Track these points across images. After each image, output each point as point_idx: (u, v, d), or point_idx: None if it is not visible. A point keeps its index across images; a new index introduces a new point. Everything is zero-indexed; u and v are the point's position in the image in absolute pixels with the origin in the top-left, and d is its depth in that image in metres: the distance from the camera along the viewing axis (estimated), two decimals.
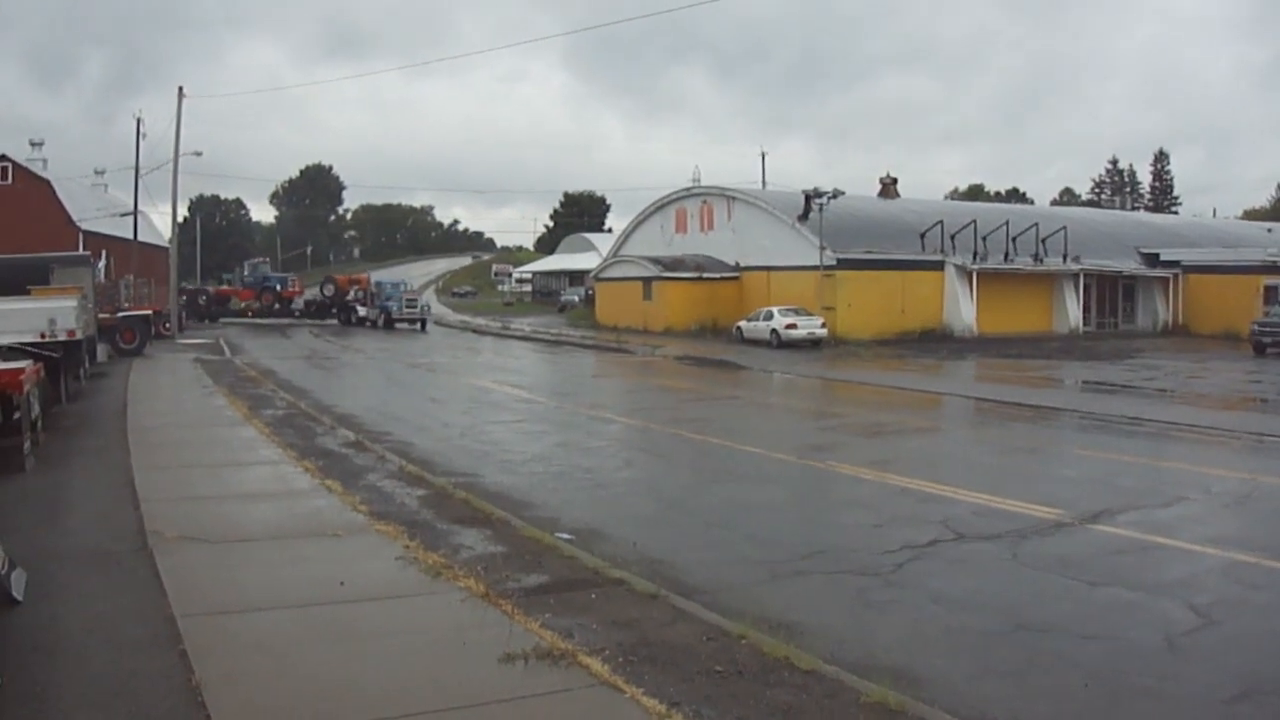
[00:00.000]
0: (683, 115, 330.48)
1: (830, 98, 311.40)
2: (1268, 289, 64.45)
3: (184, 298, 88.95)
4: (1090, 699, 9.31)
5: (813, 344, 55.99)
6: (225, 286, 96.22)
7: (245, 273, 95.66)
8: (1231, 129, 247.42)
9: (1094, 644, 10.63)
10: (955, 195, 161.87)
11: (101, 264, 53.16)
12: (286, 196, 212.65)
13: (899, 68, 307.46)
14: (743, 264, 69.23)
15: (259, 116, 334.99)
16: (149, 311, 54.91)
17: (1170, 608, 11.75)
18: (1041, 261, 67.45)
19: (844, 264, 60.43)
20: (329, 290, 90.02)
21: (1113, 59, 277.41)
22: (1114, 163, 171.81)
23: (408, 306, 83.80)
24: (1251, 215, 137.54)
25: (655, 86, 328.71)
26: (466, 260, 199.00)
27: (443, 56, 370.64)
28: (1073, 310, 68.35)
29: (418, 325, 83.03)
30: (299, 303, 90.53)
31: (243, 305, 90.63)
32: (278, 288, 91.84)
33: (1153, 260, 73.22)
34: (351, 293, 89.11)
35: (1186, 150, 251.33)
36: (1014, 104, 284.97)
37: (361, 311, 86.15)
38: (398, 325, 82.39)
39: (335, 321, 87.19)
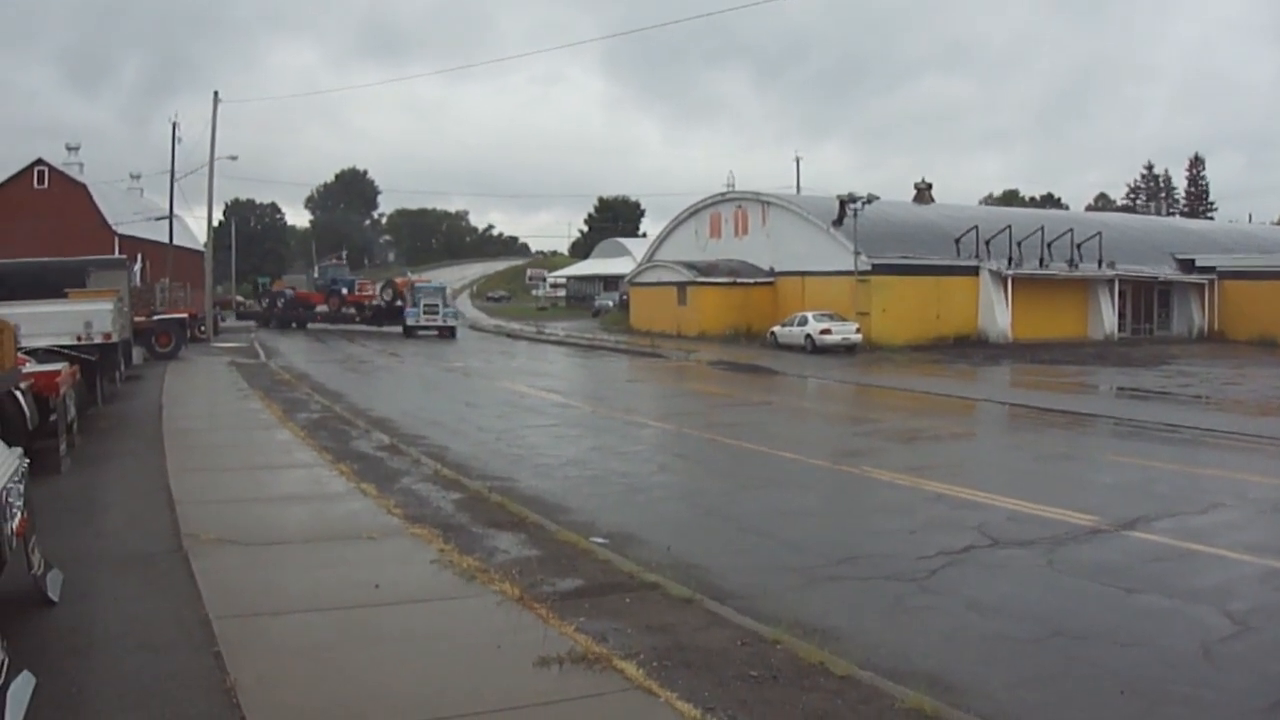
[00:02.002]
0: (720, 119, 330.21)
1: (868, 101, 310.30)
2: None
3: (265, 300, 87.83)
4: (1127, 706, 9.25)
5: (847, 349, 56.07)
6: (303, 289, 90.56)
7: (315, 274, 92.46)
8: (1272, 134, 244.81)
9: (1130, 651, 10.57)
10: (990, 200, 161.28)
11: (137, 267, 53.46)
12: (321, 201, 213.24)
13: (938, 70, 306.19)
14: (777, 269, 69.35)
15: (294, 120, 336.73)
16: (184, 315, 55.21)
17: (1206, 615, 11.66)
18: (1076, 267, 67.22)
19: (879, 269, 60.65)
20: (388, 294, 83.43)
21: (1154, 62, 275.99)
22: (1149, 168, 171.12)
23: (426, 314, 78.47)
24: None
25: (692, 90, 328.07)
26: (501, 265, 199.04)
27: (480, 61, 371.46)
28: (1108, 316, 68.06)
29: (445, 334, 78.00)
30: (369, 308, 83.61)
31: (316, 310, 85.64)
32: (344, 291, 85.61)
33: (1188, 266, 72.89)
34: None
35: (1226, 155, 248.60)
36: (1052, 108, 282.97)
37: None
38: (418, 334, 77.43)
39: (400, 328, 79.55)
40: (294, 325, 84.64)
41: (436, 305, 79.48)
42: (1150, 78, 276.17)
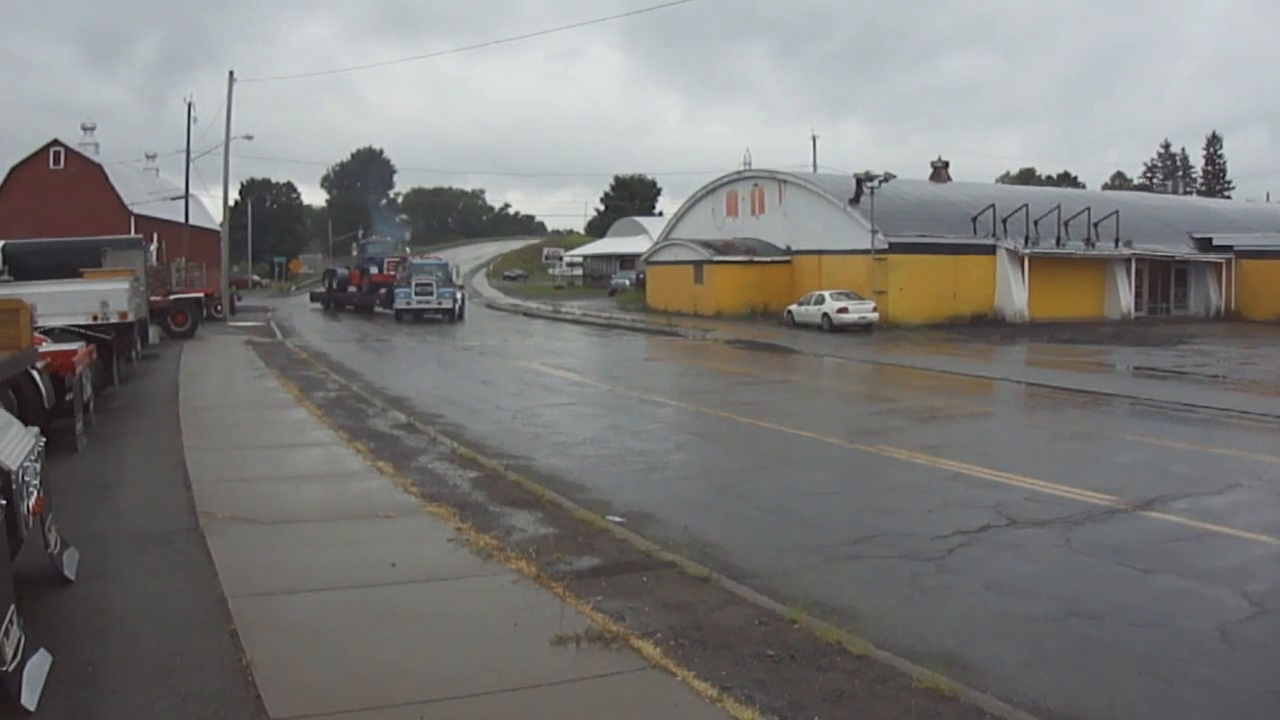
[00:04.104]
0: (740, 96, 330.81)
1: (890, 78, 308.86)
2: None
3: (329, 281, 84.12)
4: (1143, 687, 9.23)
5: (864, 328, 55.92)
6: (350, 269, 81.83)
7: (354, 251, 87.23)
8: None
9: (1147, 632, 10.55)
10: (1007, 179, 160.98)
11: (153, 247, 53.39)
12: (337, 180, 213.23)
13: (960, 47, 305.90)
14: (794, 248, 69.20)
15: (310, 99, 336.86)
16: (200, 294, 55.30)
17: (1223, 596, 11.64)
18: (1093, 246, 66.97)
19: (895, 248, 60.50)
20: (403, 272, 72.75)
21: (1177, 39, 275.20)
22: (1166, 146, 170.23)
23: (419, 294, 67.78)
24: None
25: (713, 67, 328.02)
26: (517, 244, 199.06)
27: (498, 38, 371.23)
28: (1125, 295, 67.85)
29: (441, 316, 68.72)
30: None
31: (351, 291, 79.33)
32: (373, 270, 78.43)
33: (1205, 245, 72.55)
34: None
35: (1247, 134, 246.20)
36: (1074, 85, 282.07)
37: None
38: (406, 317, 67.86)
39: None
40: (349, 308, 79.20)
41: (430, 285, 68.48)
42: (1173, 55, 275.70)
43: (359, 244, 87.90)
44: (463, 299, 74.23)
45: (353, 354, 45.13)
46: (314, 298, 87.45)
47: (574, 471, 18.72)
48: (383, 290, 75.22)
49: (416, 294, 67.90)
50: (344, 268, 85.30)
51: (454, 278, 73.76)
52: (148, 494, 15.61)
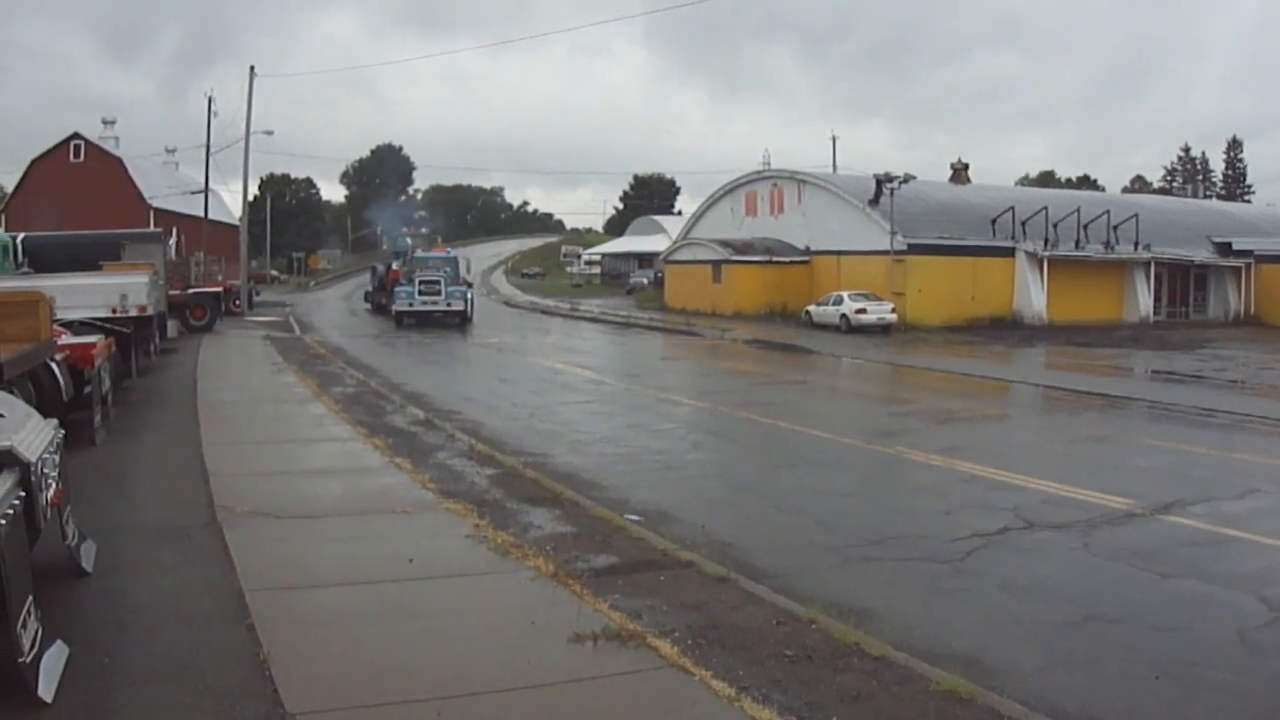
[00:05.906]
0: (761, 96, 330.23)
1: (911, 78, 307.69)
2: None
3: (374, 281, 77.88)
4: (1161, 691, 9.20)
5: (882, 329, 55.86)
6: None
7: (384, 246, 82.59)
8: None
9: (1165, 636, 10.52)
10: (1026, 181, 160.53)
11: (172, 241, 53.51)
12: (357, 176, 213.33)
13: (984, 48, 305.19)
14: (813, 248, 69.03)
15: (331, 95, 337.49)
16: (219, 289, 55.43)
17: (1243, 601, 11.58)
18: (1112, 249, 66.70)
19: (915, 249, 60.33)
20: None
21: (1201, 43, 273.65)
22: (1186, 150, 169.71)
23: (425, 294, 59.22)
24: None
25: (735, 66, 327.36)
26: (536, 242, 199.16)
27: (520, 36, 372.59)
28: (1143, 299, 67.56)
29: (451, 319, 60.24)
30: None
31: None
32: (393, 266, 70.31)
33: (1225, 249, 72.17)
34: None
35: (1270, 137, 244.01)
36: (1098, 88, 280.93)
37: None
38: (407, 320, 59.34)
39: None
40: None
41: (438, 283, 59.60)
42: (1195, 58, 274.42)
43: (389, 238, 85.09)
44: (472, 298, 65.57)
45: (371, 350, 45.22)
46: (366, 297, 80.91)
47: (591, 469, 18.75)
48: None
49: (421, 293, 59.55)
50: (383, 264, 78.69)
51: (464, 273, 65.45)
52: (165, 487, 15.65)
